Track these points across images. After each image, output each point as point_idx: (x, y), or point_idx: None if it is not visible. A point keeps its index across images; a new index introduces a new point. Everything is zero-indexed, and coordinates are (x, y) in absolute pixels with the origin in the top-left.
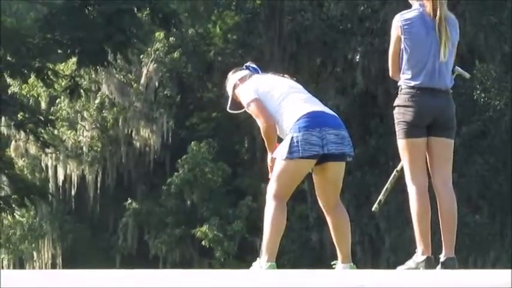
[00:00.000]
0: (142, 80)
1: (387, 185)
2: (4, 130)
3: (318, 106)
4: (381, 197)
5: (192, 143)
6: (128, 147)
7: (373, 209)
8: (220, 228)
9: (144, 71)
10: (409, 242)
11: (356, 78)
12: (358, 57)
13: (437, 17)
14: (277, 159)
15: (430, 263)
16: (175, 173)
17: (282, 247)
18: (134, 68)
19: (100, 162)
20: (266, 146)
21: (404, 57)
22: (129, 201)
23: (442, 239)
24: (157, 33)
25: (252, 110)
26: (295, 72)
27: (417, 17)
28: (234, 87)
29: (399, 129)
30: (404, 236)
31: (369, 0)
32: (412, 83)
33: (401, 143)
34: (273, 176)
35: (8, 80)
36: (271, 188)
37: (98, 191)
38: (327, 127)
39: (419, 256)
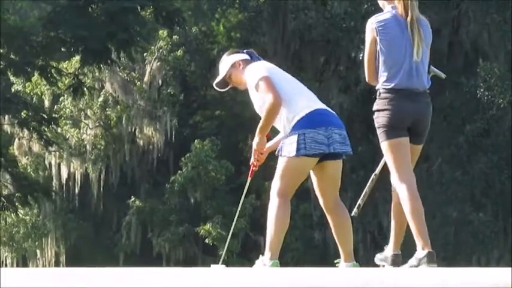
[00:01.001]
0: (146, 78)
1: (366, 189)
2: (8, 128)
3: (322, 104)
4: (360, 201)
5: (196, 141)
6: (131, 145)
7: (352, 214)
8: (223, 226)
9: (148, 69)
10: (413, 240)
11: (359, 76)
12: (361, 55)
13: (409, 18)
14: (283, 156)
15: (432, 257)
16: (179, 171)
17: (286, 245)
18: (138, 66)
19: (103, 161)
20: (260, 126)
21: (381, 58)
22: (133, 199)
23: (395, 237)
24: (160, 32)
25: (263, 84)
26: (298, 70)
27: (391, 19)
28: (233, 65)
29: (381, 132)
30: (406, 234)
31: None
32: (390, 85)
33: (384, 145)
34: (278, 174)
35: (12, 78)
36: (275, 186)
37: (102, 189)
38: (332, 126)
39: (420, 252)
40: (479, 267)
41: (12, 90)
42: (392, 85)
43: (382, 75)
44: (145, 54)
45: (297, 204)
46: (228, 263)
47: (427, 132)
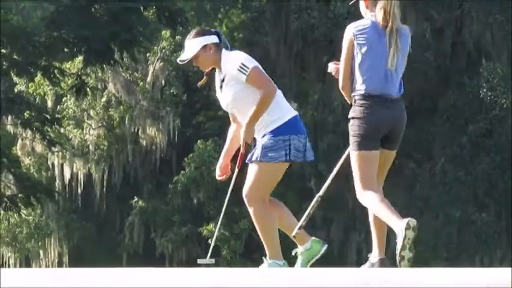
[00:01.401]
0: (149, 79)
1: (309, 209)
2: (10, 128)
3: None
4: (302, 222)
5: (199, 141)
6: (134, 146)
7: (293, 234)
8: (226, 227)
9: (151, 69)
10: (416, 240)
11: None
12: None
13: (388, 27)
14: (264, 161)
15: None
16: (182, 172)
17: (288, 245)
18: (140, 67)
19: (106, 161)
20: (253, 116)
21: (357, 64)
22: (136, 199)
23: (374, 241)
24: (163, 32)
25: (256, 74)
26: (301, 70)
27: (370, 26)
28: (204, 48)
29: (354, 141)
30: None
31: None
32: (366, 91)
33: (354, 155)
34: (258, 179)
35: (15, 78)
36: (256, 192)
37: (104, 190)
38: (305, 134)
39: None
40: (482, 267)
41: (15, 90)
42: (367, 91)
43: (358, 81)
44: (148, 54)
45: (300, 203)
46: (231, 263)
47: (401, 139)
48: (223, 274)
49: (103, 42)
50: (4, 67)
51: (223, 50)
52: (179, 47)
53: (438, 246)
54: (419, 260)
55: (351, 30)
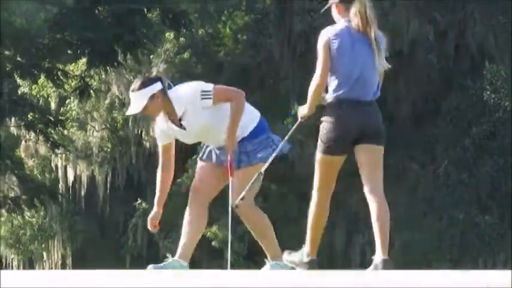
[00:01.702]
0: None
1: (249, 184)
2: (14, 130)
3: None
4: (244, 193)
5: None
6: (137, 148)
7: (236, 203)
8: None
9: (154, 71)
10: (420, 242)
11: None
12: None
13: (367, 32)
14: (255, 163)
15: (314, 265)
16: (185, 173)
17: (292, 247)
18: (144, 69)
19: (110, 163)
20: (234, 126)
21: (331, 68)
22: (139, 201)
23: (377, 243)
24: (167, 34)
25: (220, 91)
26: (304, 72)
27: (344, 31)
28: (152, 97)
29: (321, 143)
30: (414, 236)
31: (377, 1)
32: (337, 95)
33: (318, 156)
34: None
35: (18, 80)
36: (250, 196)
37: (108, 192)
38: None
39: (305, 257)
40: (484, 270)
41: (19, 92)
42: (339, 95)
43: (331, 85)
44: (151, 56)
45: (301, 207)
46: (234, 265)
47: (383, 135)
48: (226, 276)
49: (106, 44)
50: (7, 69)
51: (169, 91)
52: (182, 49)
53: (441, 248)
54: (422, 262)
55: (326, 35)
